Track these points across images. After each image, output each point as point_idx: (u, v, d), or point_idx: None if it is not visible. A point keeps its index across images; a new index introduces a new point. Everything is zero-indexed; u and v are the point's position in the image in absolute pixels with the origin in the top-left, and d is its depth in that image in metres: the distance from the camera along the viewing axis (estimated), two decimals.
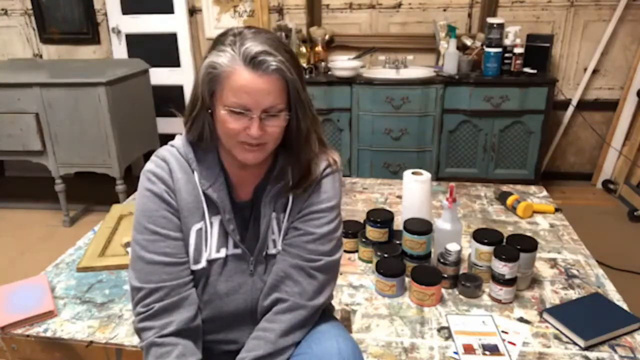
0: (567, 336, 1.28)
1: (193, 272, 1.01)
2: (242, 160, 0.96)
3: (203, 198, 1.00)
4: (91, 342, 1.29)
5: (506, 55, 2.91)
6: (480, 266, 1.51)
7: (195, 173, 1.00)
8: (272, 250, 1.04)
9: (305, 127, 0.97)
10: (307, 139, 0.99)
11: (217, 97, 0.92)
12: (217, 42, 0.93)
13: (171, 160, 1.00)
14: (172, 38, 3.44)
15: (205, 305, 1.03)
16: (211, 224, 1.01)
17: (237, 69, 0.88)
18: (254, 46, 0.88)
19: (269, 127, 0.92)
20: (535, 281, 1.53)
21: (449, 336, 1.30)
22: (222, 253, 1.02)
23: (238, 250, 1.03)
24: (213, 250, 1.02)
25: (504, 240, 1.53)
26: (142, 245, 0.98)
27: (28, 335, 1.32)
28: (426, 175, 1.74)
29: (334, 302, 1.37)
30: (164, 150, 1.03)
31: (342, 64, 3.05)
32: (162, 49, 3.45)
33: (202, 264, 1.01)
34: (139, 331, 0.99)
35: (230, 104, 0.90)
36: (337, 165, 1.06)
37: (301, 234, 1.02)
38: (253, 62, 0.88)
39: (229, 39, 0.91)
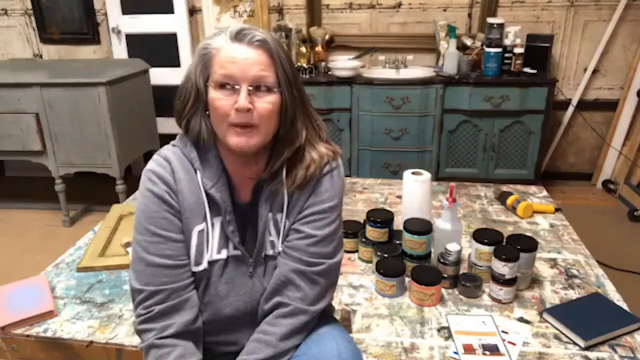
0: (567, 336, 1.28)
1: (194, 273, 1.01)
2: (234, 146, 0.93)
3: (205, 198, 0.99)
4: (91, 342, 1.29)
5: (506, 55, 2.91)
6: (480, 266, 1.51)
7: (198, 173, 1.00)
8: (270, 252, 1.03)
9: (292, 110, 0.96)
10: (292, 124, 0.97)
11: (209, 83, 0.93)
12: None
13: (173, 160, 1.00)
14: (172, 38, 3.44)
15: (206, 306, 1.03)
16: (212, 225, 1.00)
17: (225, 45, 0.92)
18: (240, 25, 0.94)
19: (259, 104, 0.91)
20: (535, 281, 1.53)
21: (449, 336, 1.30)
22: (224, 254, 1.02)
23: (238, 252, 1.02)
24: (214, 251, 1.01)
25: (504, 240, 1.53)
26: (142, 247, 0.98)
27: (28, 335, 1.32)
28: (426, 175, 1.74)
29: (334, 302, 1.37)
30: (166, 150, 1.02)
31: (342, 64, 3.05)
32: (162, 49, 3.45)
33: (204, 265, 1.00)
34: (139, 332, 0.99)
35: (217, 77, 0.91)
36: (337, 161, 1.05)
37: (303, 237, 1.01)
38: (238, 35, 0.92)
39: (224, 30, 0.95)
